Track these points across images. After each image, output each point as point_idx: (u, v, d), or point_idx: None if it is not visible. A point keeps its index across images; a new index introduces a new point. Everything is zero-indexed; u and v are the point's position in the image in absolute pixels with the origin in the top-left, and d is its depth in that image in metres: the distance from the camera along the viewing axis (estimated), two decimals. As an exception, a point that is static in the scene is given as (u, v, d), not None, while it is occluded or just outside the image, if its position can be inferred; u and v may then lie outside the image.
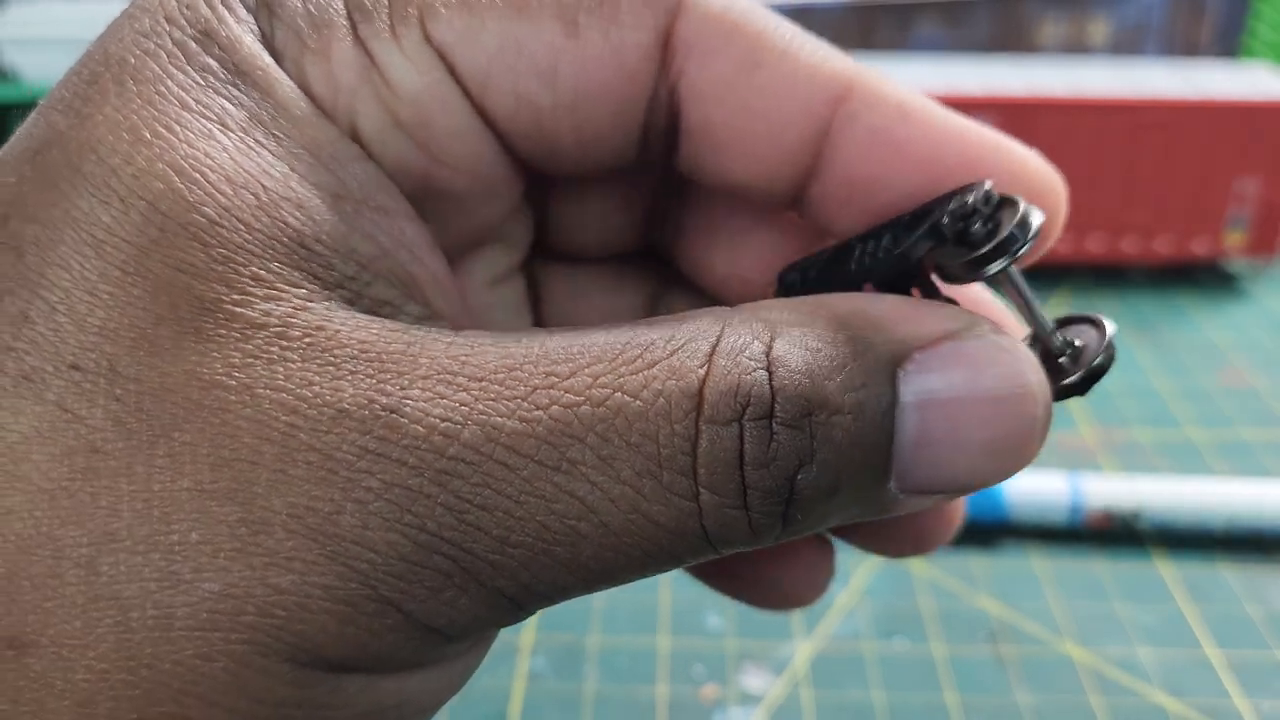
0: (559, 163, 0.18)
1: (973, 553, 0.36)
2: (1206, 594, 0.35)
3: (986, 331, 0.15)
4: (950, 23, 0.62)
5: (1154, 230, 0.52)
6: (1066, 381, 0.16)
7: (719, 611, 0.34)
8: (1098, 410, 0.45)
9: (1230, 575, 0.35)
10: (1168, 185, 0.51)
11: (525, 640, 0.33)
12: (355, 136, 0.16)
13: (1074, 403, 0.43)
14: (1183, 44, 0.63)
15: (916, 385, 0.15)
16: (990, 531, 0.37)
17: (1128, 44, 0.63)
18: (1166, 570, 0.36)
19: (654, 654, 0.33)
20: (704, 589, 0.33)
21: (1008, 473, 0.15)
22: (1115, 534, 0.37)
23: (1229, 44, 0.63)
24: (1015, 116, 0.50)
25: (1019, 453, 0.15)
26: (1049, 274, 0.55)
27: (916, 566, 0.36)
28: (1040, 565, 0.36)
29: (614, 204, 0.20)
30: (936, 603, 0.34)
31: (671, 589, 0.35)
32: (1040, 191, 0.17)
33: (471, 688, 0.31)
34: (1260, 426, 0.43)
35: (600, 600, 0.35)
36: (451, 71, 0.17)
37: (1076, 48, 0.63)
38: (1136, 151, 0.51)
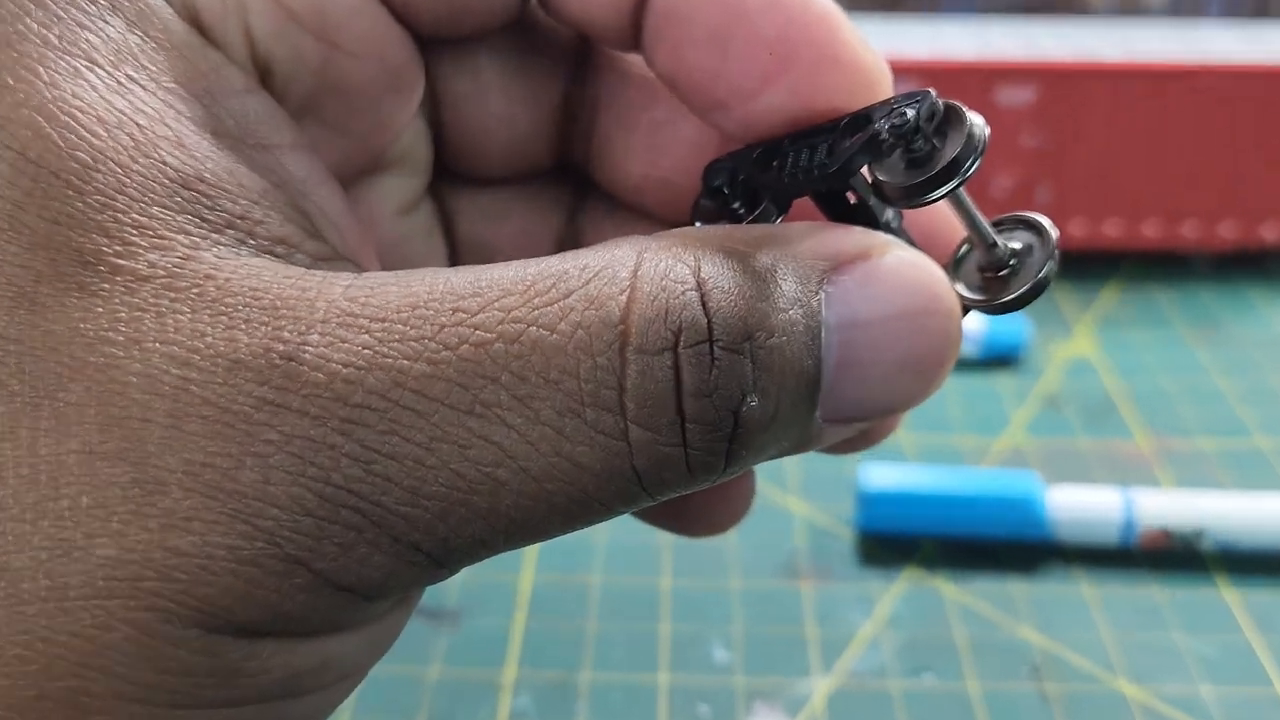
0: (461, 20, 0.19)
1: (1012, 577, 0.35)
2: (1277, 624, 0.33)
3: (897, 250, 0.16)
4: (987, -16, 0.62)
5: (1218, 214, 0.51)
6: (1010, 296, 0.16)
7: (726, 644, 0.33)
8: (1153, 416, 0.43)
9: (1305, 603, 0.34)
10: (1234, 163, 0.50)
11: (507, 676, 0.32)
12: (249, 40, 0.17)
13: (1127, 408, 0.43)
14: (1250, 2, 0.61)
15: (836, 306, 0.15)
16: (1032, 553, 0.36)
17: (1188, 3, 0.62)
18: (1231, 597, 0.34)
19: (653, 691, 0.31)
20: (708, 620, 0.33)
21: (926, 392, 0.16)
22: (1174, 556, 0.36)
23: (1301, 4, 0.62)
24: (1060, 85, 0.48)
25: (936, 368, 0.16)
26: (1099, 263, 0.53)
27: (948, 592, 0.34)
28: (1089, 591, 0.35)
29: (517, 106, 0.20)
30: (971, 633, 0.33)
31: (672, 619, 0.34)
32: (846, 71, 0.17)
33: (446, 731, 0.30)
34: (1338, 432, 0.42)
35: (593, 631, 0.34)
36: None
37: (1130, 8, 0.62)
38: (1198, 125, 0.49)
